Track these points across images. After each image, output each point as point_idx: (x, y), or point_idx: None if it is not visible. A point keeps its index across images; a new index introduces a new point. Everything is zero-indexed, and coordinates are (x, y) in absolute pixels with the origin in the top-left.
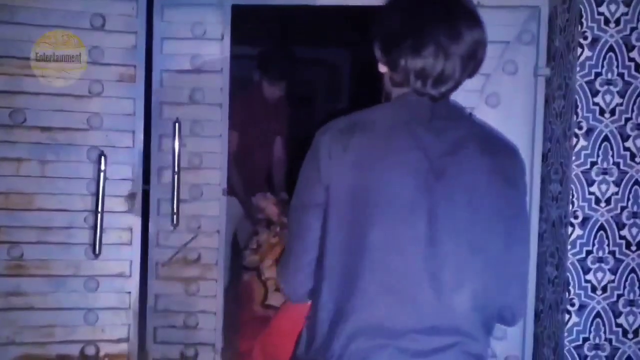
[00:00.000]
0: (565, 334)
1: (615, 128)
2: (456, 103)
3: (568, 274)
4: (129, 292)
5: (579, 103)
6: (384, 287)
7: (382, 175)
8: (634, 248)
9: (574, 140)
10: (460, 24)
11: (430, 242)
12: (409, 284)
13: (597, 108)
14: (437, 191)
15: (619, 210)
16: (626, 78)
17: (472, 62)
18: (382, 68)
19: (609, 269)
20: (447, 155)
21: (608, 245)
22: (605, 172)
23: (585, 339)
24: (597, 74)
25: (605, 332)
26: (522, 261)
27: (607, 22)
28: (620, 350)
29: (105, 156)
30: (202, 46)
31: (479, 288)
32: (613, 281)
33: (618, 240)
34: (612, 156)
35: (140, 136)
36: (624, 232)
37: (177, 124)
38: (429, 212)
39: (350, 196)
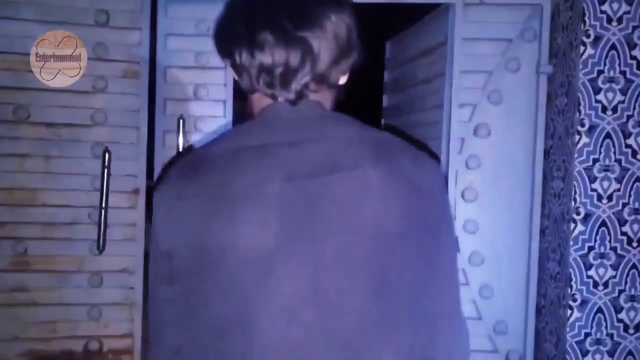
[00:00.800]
0: (567, 329)
1: (617, 125)
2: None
3: (570, 269)
4: (133, 288)
5: (581, 100)
6: None
7: (228, 225)
8: (635, 244)
9: (576, 137)
10: (309, 2)
11: (309, 302)
12: None
13: (599, 105)
14: (309, 230)
15: (620, 207)
16: (628, 76)
17: (334, 48)
18: (233, 74)
19: (610, 265)
20: (319, 175)
21: (610, 241)
22: (607, 169)
23: (587, 334)
24: (600, 72)
25: (606, 328)
26: (449, 299)
27: (609, 20)
28: (621, 345)
29: (109, 152)
30: (206, 42)
31: (396, 350)
32: (614, 277)
33: (619, 237)
34: (614, 153)
35: (144, 132)
36: (626, 229)
37: (181, 120)
38: (304, 259)
39: (192, 261)
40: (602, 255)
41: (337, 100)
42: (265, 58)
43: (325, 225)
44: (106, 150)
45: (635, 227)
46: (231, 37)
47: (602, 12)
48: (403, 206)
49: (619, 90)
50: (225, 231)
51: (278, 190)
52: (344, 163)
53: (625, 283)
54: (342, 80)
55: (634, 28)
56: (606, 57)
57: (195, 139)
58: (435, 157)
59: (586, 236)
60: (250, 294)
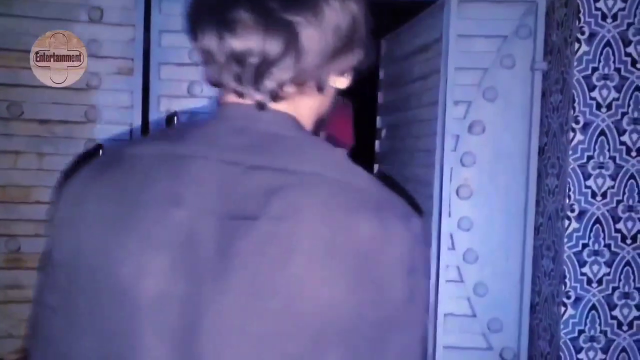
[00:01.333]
0: (562, 326)
1: (612, 122)
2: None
3: (564, 266)
4: None
5: (575, 97)
6: None
7: (116, 249)
8: (629, 241)
9: (571, 134)
10: None
11: None
12: None
13: (593, 102)
14: (209, 282)
15: (614, 204)
16: (622, 73)
17: (330, 41)
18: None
19: (604, 262)
20: (241, 217)
21: (604, 238)
22: (601, 166)
23: (581, 331)
24: (594, 69)
25: (600, 325)
26: None
27: (604, 17)
28: (615, 342)
29: (103, 149)
30: None
31: None
32: (608, 274)
33: (614, 234)
34: (609, 150)
35: (138, 129)
36: (620, 226)
37: (175, 117)
38: (187, 317)
39: (76, 281)
40: (596, 253)
41: (329, 111)
42: (236, 42)
43: (226, 286)
44: (100, 147)
45: (629, 224)
46: (199, 12)
47: (596, 9)
48: (338, 290)
49: (614, 87)
50: (103, 253)
51: (185, 220)
52: (279, 207)
53: (619, 280)
54: (339, 83)
55: (629, 25)
56: (601, 54)
57: None
58: (419, 209)
59: (580, 233)
60: (116, 336)
